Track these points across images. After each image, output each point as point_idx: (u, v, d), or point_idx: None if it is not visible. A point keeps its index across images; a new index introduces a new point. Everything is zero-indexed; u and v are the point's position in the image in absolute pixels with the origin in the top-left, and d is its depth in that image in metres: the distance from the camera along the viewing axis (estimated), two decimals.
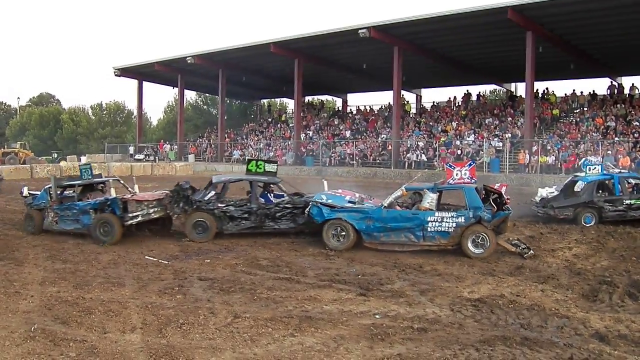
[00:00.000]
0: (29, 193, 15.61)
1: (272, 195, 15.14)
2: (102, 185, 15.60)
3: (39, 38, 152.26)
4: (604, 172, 16.64)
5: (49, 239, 13.25)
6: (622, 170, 18.93)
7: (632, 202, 15.59)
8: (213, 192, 14.46)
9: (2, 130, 79.49)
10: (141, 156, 50.11)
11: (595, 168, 16.78)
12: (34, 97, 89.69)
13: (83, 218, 13.45)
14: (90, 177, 14.96)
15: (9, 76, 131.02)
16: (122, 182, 15.10)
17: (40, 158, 52.78)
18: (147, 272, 9.90)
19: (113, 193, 14.40)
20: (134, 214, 13.04)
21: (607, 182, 16.42)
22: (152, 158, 49.21)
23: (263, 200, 14.56)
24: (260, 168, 14.98)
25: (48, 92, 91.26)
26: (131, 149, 52.94)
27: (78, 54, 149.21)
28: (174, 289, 8.65)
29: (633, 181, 16.48)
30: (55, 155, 56.33)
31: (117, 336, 6.59)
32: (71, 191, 15.10)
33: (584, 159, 18.21)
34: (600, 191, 16.27)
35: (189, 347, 6.25)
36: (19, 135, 72.93)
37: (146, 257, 11.19)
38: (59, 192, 14.36)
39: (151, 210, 13.52)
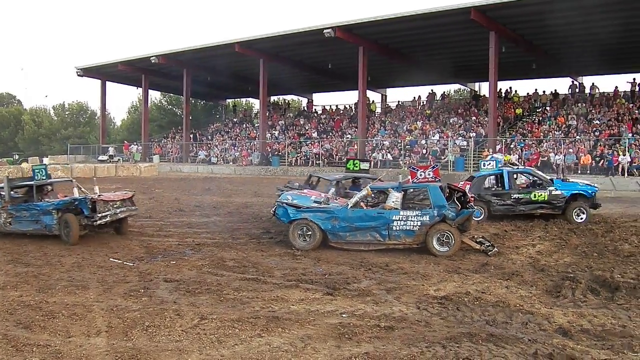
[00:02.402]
0: None
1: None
2: (51, 186, 15.26)
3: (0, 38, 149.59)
4: (498, 168, 17.14)
5: (9, 242, 12.99)
6: (516, 166, 19.39)
7: (521, 196, 16.00)
8: (333, 189, 15.06)
9: None
10: (105, 157, 49.56)
11: (489, 164, 17.32)
12: None
13: (44, 219, 13.22)
14: (45, 178, 14.59)
15: None
16: (77, 184, 14.81)
17: (0, 160, 51.81)
18: (112, 274, 9.76)
19: (76, 193, 14.18)
20: (103, 214, 13.02)
21: (498, 176, 16.81)
22: (116, 159, 48.70)
23: None
24: (357, 166, 16.42)
25: (9, 93, 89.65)
26: (111, 150, 52.15)
27: (39, 54, 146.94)
28: (139, 292, 8.55)
29: (530, 177, 16.92)
30: (17, 157, 55.32)
31: (81, 340, 6.49)
32: (21, 192, 14.76)
33: (489, 155, 18.84)
34: (492, 186, 16.93)
35: (155, 349, 6.19)
36: None
37: (111, 259, 11.05)
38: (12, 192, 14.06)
39: (118, 210, 13.56)
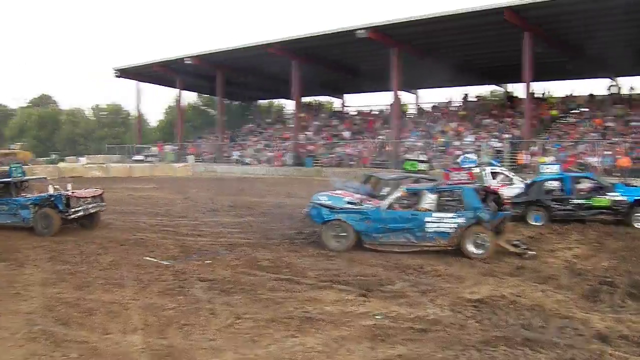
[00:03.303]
0: None
1: None
2: (27, 183, 16.17)
3: (38, 41, 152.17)
4: (559, 172, 16.90)
5: (48, 240, 13.23)
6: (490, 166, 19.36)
7: (582, 202, 15.67)
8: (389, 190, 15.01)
9: (1, 131, 79.41)
10: (140, 157, 50.11)
11: (551, 167, 17.05)
12: (33, 98, 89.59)
13: (22, 212, 14.38)
14: (21, 176, 15.59)
15: (7, 78, 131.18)
16: (51, 182, 16.16)
17: (38, 159, 52.72)
18: (148, 273, 9.88)
19: (51, 190, 15.24)
20: (76, 209, 14.27)
21: (559, 181, 16.55)
22: (151, 159, 49.22)
23: None
24: (415, 167, 16.62)
25: (47, 94, 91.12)
26: (146, 150, 52.73)
27: (77, 56, 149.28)
28: (174, 290, 8.65)
29: (591, 182, 16.55)
30: (54, 157, 56.26)
31: (118, 337, 6.59)
32: None
33: (462, 155, 18.84)
34: (552, 190, 16.54)
35: (190, 348, 6.25)
36: (17, 137, 72.86)
37: (146, 258, 11.18)
38: None
39: (89, 206, 14.90)
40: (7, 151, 50.10)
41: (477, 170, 17.43)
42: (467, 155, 17.36)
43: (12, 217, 14.58)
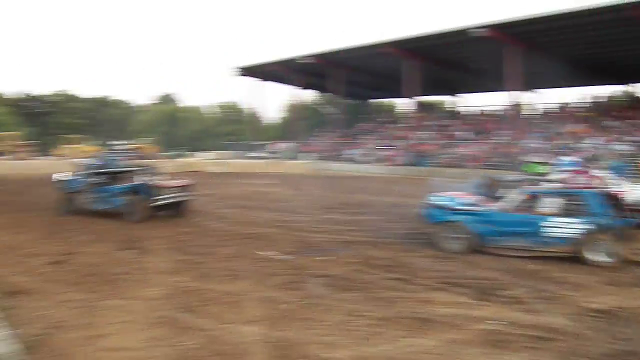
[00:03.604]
0: (60, 179, 17.35)
1: None
2: (132, 173, 16.93)
3: (163, 41, 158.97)
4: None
5: (171, 231, 13.80)
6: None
7: None
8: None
9: (126, 127, 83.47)
10: (257, 154, 51.28)
11: None
12: (160, 96, 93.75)
13: (114, 200, 15.73)
14: (119, 166, 17.24)
15: (137, 76, 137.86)
16: (151, 172, 16.89)
17: (162, 154, 55.01)
18: (265, 266, 10.10)
19: (141, 180, 16.05)
20: (161, 197, 15.45)
21: None
22: (269, 156, 50.27)
23: None
24: (534, 169, 16.73)
25: (167, 93, 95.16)
26: (264, 147, 54.09)
27: (202, 55, 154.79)
28: (290, 285, 8.80)
29: None
30: (176, 152, 58.55)
31: (235, 327, 6.77)
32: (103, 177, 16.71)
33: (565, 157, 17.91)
34: None
35: (305, 341, 6.34)
36: (144, 132, 76.38)
37: (264, 252, 11.42)
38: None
39: (175, 195, 16.00)
40: (136, 145, 52.52)
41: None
42: (563, 158, 16.85)
43: (108, 204, 15.83)
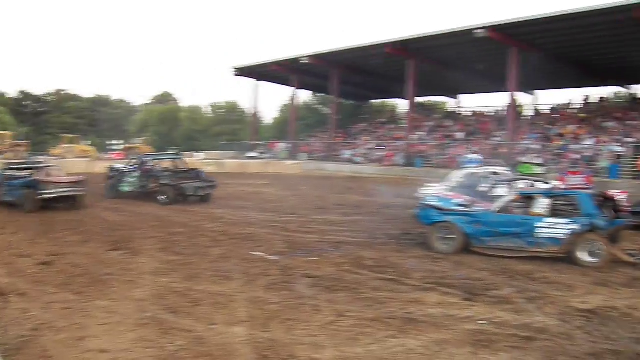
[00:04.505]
0: None
1: None
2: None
3: (162, 41, 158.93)
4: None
5: (162, 231, 13.79)
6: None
7: None
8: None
9: (125, 127, 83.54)
10: (254, 154, 51.27)
11: None
12: (156, 96, 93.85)
13: (16, 192, 17.31)
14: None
15: (133, 76, 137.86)
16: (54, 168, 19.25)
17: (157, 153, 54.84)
18: (255, 267, 10.08)
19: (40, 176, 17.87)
20: (49, 191, 16.98)
21: None
22: (264, 156, 50.26)
23: None
24: (530, 170, 17.23)
25: (167, 92, 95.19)
26: (260, 147, 54.09)
27: (198, 56, 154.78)
28: (279, 285, 8.78)
29: None
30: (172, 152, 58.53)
31: (223, 328, 6.76)
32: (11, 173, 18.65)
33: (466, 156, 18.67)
34: None
35: (292, 342, 6.33)
36: (140, 132, 76.40)
37: (254, 252, 11.41)
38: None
39: (65, 190, 17.45)
40: (130, 145, 52.46)
41: (478, 170, 17.22)
42: (470, 156, 17.10)
43: (10, 196, 17.41)
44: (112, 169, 22.24)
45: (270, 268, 10.02)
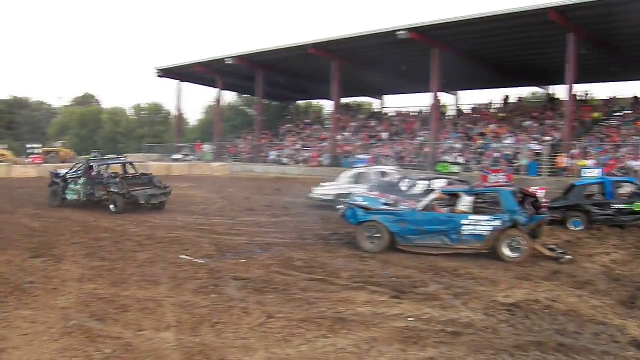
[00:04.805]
0: None
1: None
2: None
3: (82, 41, 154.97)
4: (600, 175, 16.72)
5: (86, 237, 13.46)
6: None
7: (623, 206, 15.26)
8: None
9: (45, 129, 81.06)
10: (179, 156, 50.61)
11: (590, 171, 16.82)
12: (76, 97, 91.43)
13: None
14: None
15: (52, 77, 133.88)
16: None
17: (79, 157, 53.54)
18: (182, 270, 9.98)
19: None
20: None
21: (600, 185, 16.24)
22: (189, 158, 49.69)
23: None
24: (447, 168, 17.58)
25: (89, 93, 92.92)
26: (185, 149, 53.33)
27: (120, 56, 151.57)
28: (208, 288, 8.72)
29: (630, 187, 16.13)
30: (95, 154, 57.16)
31: (151, 334, 6.67)
32: None
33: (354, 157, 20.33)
34: (592, 195, 16.28)
35: (222, 346, 6.30)
36: (60, 135, 74.27)
37: (181, 256, 11.29)
38: None
39: None
40: (50, 149, 50.96)
41: (365, 170, 18.13)
42: (358, 156, 17.78)
43: None
44: (54, 174, 20.66)
45: (198, 271, 9.94)
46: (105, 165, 20.56)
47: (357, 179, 19.59)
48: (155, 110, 78.07)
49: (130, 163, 21.35)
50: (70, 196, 19.37)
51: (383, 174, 20.26)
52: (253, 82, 48.27)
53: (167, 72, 52.58)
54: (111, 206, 18.09)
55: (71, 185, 19.34)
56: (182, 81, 54.01)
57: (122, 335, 6.60)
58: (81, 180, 19.11)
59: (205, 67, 48.82)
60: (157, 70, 52.27)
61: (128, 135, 73.95)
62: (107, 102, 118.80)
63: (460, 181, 15.92)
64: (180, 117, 59.16)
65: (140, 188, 18.76)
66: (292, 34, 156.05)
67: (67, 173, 19.97)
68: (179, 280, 9.28)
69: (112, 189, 18.23)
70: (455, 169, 17.74)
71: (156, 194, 18.88)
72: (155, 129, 74.55)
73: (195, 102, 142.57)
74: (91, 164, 19.89)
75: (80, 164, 20.49)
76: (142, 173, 20.80)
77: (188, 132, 73.30)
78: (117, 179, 18.77)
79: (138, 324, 7.01)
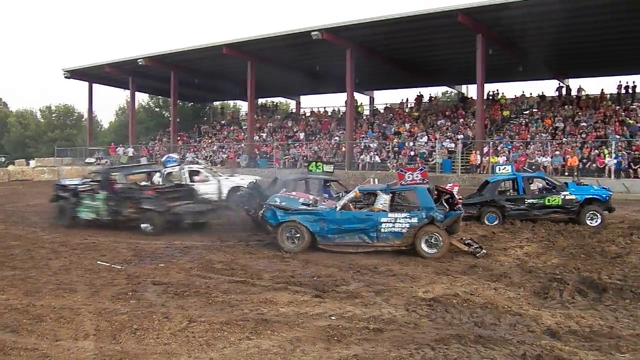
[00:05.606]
0: None
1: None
2: None
3: None
4: (513, 172, 17.53)
5: None
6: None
7: (535, 201, 16.17)
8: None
9: None
10: (92, 160, 49.28)
11: (504, 168, 17.57)
12: None
13: None
14: None
15: None
16: None
17: None
18: (100, 277, 9.72)
19: None
20: None
21: (513, 181, 17.10)
22: (103, 161, 48.46)
23: (326, 195, 15.39)
24: (320, 168, 17.28)
25: None
26: (98, 153, 51.87)
27: (25, 56, 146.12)
28: (127, 294, 8.52)
29: (541, 182, 17.19)
30: (3, 160, 55.01)
31: (69, 343, 6.45)
32: None
33: (166, 156, 21.60)
34: (506, 191, 17.25)
35: (143, 353, 6.16)
36: None
37: (98, 262, 11.00)
38: None
39: None
40: None
41: (176, 169, 18.60)
42: (170, 155, 18.31)
43: None
44: (60, 187, 17.17)
45: (116, 277, 9.71)
46: (129, 175, 16.97)
47: (166, 179, 18.81)
48: (66, 112, 75.67)
49: (158, 171, 18.61)
50: (85, 215, 15.88)
51: (193, 173, 20.44)
52: (167, 84, 47.48)
53: (75, 74, 50.94)
54: (144, 226, 14.89)
55: (86, 201, 15.85)
56: (92, 83, 52.51)
57: (38, 346, 6.35)
58: (101, 195, 15.63)
59: (116, 68, 47.62)
60: (64, 72, 50.58)
61: (38, 139, 71.35)
62: (15, 104, 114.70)
63: (332, 180, 16.58)
64: (92, 120, 57.55)
65: (181, 203, 15.78)
66: (206, 35, 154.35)
67: (78, 185, 16.74)
68: (97, 287, 9.03)
69: (145, 206, 15.05)
70: (327, 168, 18.16)
71: (203, 210, 15.85)
72: (66, 132, 72.24)
73: (108, 104, 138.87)
74: (111, 173, 16.49)
75: (95, 173, 17.19)
76: (178, 184, 17.94)
77: (102, 135, 71.47)
78: (150, 192, 15.46)
79: (55, 334, 6.77)
